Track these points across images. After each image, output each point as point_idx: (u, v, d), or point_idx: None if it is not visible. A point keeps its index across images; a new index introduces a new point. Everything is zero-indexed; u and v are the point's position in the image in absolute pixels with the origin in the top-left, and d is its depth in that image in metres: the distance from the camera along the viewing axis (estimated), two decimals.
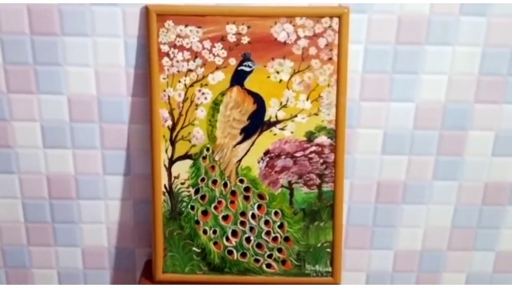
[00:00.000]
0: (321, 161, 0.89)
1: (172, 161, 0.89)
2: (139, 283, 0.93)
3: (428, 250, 1.02)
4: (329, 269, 0.92)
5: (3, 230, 0.99)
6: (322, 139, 0.88)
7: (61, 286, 1.04)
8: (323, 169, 0.89)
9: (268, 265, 0.92)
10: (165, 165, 0.89)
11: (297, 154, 0.89)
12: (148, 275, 0.94)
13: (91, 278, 1.03)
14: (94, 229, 0.99)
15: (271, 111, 0.87)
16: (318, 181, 0.90)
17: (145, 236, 0.99)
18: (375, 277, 1.04)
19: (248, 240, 0.91)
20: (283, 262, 0.92)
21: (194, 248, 0.92)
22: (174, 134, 0.88)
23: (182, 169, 0.89)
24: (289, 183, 0.90)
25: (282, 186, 0.90)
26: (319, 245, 0.92)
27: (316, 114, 0.87)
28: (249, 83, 0.86)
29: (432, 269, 1.04)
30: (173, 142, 0.88)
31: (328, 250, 0.92)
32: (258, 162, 0.89)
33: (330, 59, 0.85)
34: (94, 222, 0.98)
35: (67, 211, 0.97)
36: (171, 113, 0.87)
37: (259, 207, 0.90)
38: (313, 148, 0.88)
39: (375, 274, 1.04)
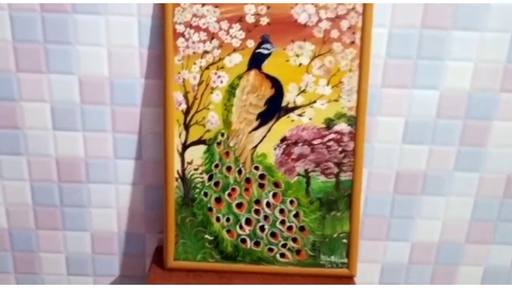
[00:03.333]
0: (340, 149, 0.86)
1: (185, 146, 0.86)
2: (149, 270, 0.91)
3: (446, 243, 1.00)
4: (345, 260, 0.90)
5: (10, 213, 0.96)
6: (342, 126, 0.85)
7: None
8: (341, 158, 0.86)
9: (282, 255, 0.90)
10: (178, 150, 0.86)
11: (315, 142, 0.85)
12: (159, 261, 0.92)
13: (99, 263, 1.01)
14: (104, 214, 0.97)
15: (289, 96, 0.83)
16: (336, 170, 0.87)
17: (155, 222, 0.97)
18: (390, 269, 1.02)
19: (262, 228, 0.89)
20: (298, 252, 0.90)
21: (206, 236, 0.89)
22: (188, 118, 0.84)
23: (196, 154, 0.86)
24: (306, 171, 0.87)
25: (299, 174, 0.87)
26: (335, 235, 0.89)
27: (336, 100, 0.84)
28: (267, 66, 0.82)
29: (449, 262, 1.01)
30: (187, 127, 0.85)
31: (344, 240, 0.89)
32: (274, 149, 0.86)
33: (353, 42, 0.81)
34: (104, 206, 0.96)
35: (76, 195, 0.95)
36: (185, 96, 0.83)
37: (274, 195, 0.88)
38: (332, 136, 0.85)
39: (390, 266, 1.01)
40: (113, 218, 0.97)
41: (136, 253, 1.00)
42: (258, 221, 0.89)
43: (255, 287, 0.86)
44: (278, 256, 0.90)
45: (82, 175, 0.94)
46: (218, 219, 0.89)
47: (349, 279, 0.90)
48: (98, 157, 0.92)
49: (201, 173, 0.87)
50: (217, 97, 0.84)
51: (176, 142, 0.85)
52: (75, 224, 0.97)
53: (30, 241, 0.99)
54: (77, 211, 0.96)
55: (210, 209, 0.88)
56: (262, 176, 0.87)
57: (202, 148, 0.86)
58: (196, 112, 0.84)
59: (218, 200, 0.88)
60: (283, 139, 0.85)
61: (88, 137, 0.91)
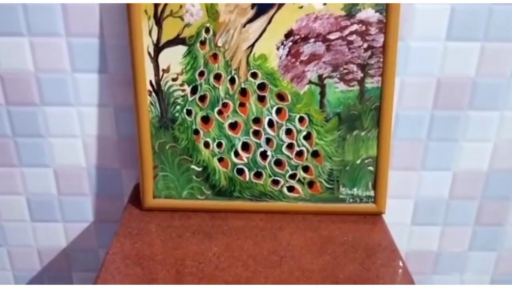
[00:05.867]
0: (365, 45, 0.64)
1: (159, 48, 0.65)
2: (124, 211, 0.73)
3: (498, 171, 0.79)
4: (371, 193, 0.70)
5: None
6: (368, 13, 0.63)
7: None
8: (367, 57, 0.65)
9: (291, 188, 0.70)
10: (149, 54, 0.65)
11: (332, 36, 0.64)
12: (137, 201, 0.74)
13: (68, 206, 0.82)
14: (67, 145, 0.77)
15: None
16: (359, 74, 0.65)
17: (133, 154, 0.78)
18: (426, 205, 0.82)
19: (263, 155, 0.69)
20: (310, 184, 0.70)
21: (193, 166, 0.70)
22: (159, 9, 0.63)
23: (173, 59, 0.65)
24: (320, 77, 0.66)
25: (310, 82, 0.66)
26: (358, 161, 0.69)
27: None
28: None
29: (501, 196, 0.81)
30: (158, 21, 0.64)
31: (370, 168, 0.69)
32: (278, 49, 0.65)
33: None
34: (66, 135, 0.77)
35: (30, 121, 0.75)
36: None
37: (278, 111, 0.67)
38: (355, 27, 0.63)
39: (426, 201, 0.82)
40: (78, 150, 0.78)
41: (111, 193, 0.82)
42: (259, 145, 0.69)
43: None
44: (285, 190, 0.70)
45: (35, 95, 0.74)
46: (206, 145, 0.69)
47: (376, 217, 0.71)
48: (52, 71, 0.72)
49: (181, 84, 0.66)
50: None
51: (146, 42, 0.64)
52: (33, 158, 0.79)
53: None
54: (34, 142, 0.77)
55: (196, 132, 0.68)
56: (262, 86, 0.66)
57: (181, 49, 0.65)
58: None
59: (206, 119, 0.68)
60: (289, 34, 0.64)
61: (35, 43, 0.70)
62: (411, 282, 0.57)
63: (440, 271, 0.88)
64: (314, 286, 0.57)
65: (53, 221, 0.84)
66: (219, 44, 0.65)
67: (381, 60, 0.64)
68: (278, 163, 0.69)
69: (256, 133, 0.68)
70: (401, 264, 0.61)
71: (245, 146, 0.69)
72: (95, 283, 0.58)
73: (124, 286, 0.57)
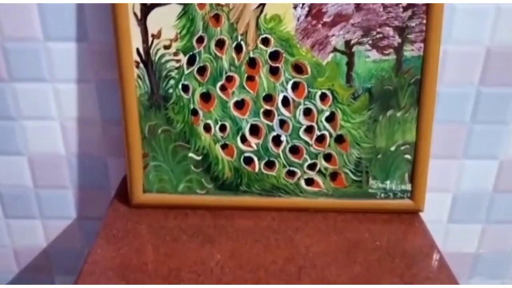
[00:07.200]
0: (404, 4, 0.51)
1: (147, 8, 0.52)
2: (109, 208, 0.61)
3: None
4: (408, 186, 0.58)
5: None
6: None
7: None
8: (406, 19, 0.52)
9: (309, 181, 0.58)
10: (135, 15, 0.53)
11: None
12: (124, 196, 0.62)
13: (47, 201, 0.71)
14: (42, 128, 0.66)
15: None
16: (397, 39, 0.53)
17: (120, 139, 0.66)
18: (466, 200, 0.70)
19: (277, 141, 0.57)
20: (334, 176, 0.58)
21: (191, 155, 0.58)
22: None
23: (165, 21, 0.53)
24: (347, 44, 0.53)
25: (335, 49, 0.53)
26: (392, 148, 0.57)
27: None
28: None
29: None
30: None
31: (408, 156, 0.57)
32: (295, 8, 0.52)
33: None
34: (41, 117, 0.65)
35: None
36: None
37: (295, 86, 0.55)
38: None
39: (467, 195, 0.70)
40: (56, 134, 0.66)
41: (96, 185, 0.70)
42: (271, 129, 0.56)
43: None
44: (302, 183, 0.58)
45: (2, 69, 0.62)
46: (207, 128, 0.57)
47: (413, 216, 0.59)
48: (21, 39, 0.60)
49: (175, 53, 0.54)
50: None
51: (131, 0, 0.52)
52: (3, 144, 0.67)
53: None
54: (3, 125, 0.66)
55: (195, 112, 0.56)
56: (275, 55, 0.54)
57: (174, 9, 0.52)
58: None
59: (206, 97, 0.55)
60: None
61: (1, 7, 0.58)
62: None
63: (478, 276, 0.76)
64: (322, 286, 0.45)
65: (30, 217, 0.72)
66: (222, 2, 0.52)
67: (424, 21, 0.52)
68: (295, 150, 0.57)
69: (268, 114, 0.56)
70: (450, 276, 0.49)
71: (254, 130, 0.56)
72: None
73: (122, 286, 0.45)
